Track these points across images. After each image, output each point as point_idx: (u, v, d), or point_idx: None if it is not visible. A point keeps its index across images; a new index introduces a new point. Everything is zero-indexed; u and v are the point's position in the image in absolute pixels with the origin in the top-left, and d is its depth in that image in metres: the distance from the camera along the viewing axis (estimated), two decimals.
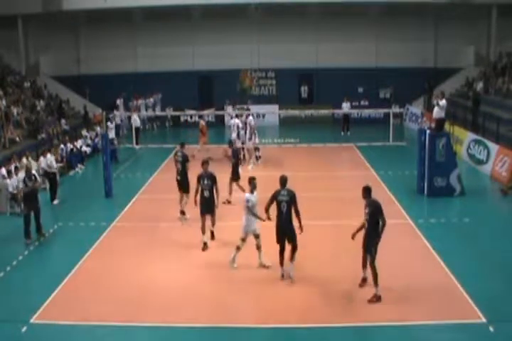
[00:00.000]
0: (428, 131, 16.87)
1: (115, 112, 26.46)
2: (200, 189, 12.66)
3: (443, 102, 16.82)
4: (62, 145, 20.96)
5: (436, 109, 17.02)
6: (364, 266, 10.44)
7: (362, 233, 10.33)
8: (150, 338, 9.32)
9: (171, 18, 30.91)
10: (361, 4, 30.30)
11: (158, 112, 30.07)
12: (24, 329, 9.35)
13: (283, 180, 11.00)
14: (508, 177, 17.85)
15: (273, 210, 10.86)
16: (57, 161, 18.85)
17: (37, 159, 19.00)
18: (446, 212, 15.70)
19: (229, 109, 28.27)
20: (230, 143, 17.31)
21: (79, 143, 22.75)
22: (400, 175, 19.42)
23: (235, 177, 16.29)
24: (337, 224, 14.20)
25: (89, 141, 23.90)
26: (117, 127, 26.30)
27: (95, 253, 12.78)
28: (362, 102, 30.95)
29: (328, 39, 31.24)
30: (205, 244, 12.58)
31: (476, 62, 31.11)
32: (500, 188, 17.43)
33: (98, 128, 25.24)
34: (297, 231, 10.83)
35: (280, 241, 10.98)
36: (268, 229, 11.07)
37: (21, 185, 13.84)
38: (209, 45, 31.22)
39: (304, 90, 32.98)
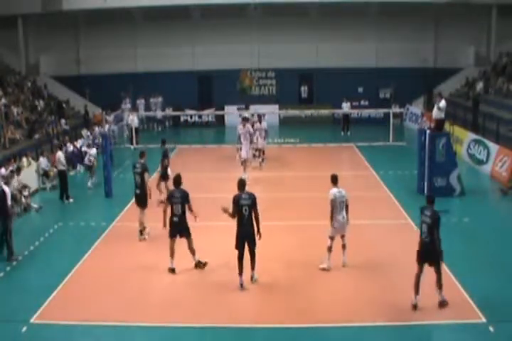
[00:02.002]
0: (428, 131, 16.87)
1: (109, 117, 26.22)
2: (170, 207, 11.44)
3: (442, 103, 16.80)
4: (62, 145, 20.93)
5: (435, 109, 17.01)
6: (418, 287, 9.76)
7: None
8: (150, 338, 9.31)
9: (171, 18, 30.90)
10: (361, 4, 30.31)
11: (159, 115, 29.95)
12: (24, 329, 9.35)
13: (241, 184, 10.75)
14: (507, 177, 17.86)
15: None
16: (53, 162, 18.87)
17: (37, 159, 19.03)
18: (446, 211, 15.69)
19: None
20: (163, 142, 17.01)
21: (79, 143, 22.72)
22: (400, 175, 19.43)
23: (164, 176, 16.16)
24: None
25: (90, 141, 23.85)
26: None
27: (95, 253, 12.79)
28: (362, 102, 30.95)
29: (328, 39, 31.20)
30: (172, 270, 11.45)
31: (476, 62, 31.12)
32: (500, 188, 17.43)
33: (97, 129, 25.17)
34: (256, 237, 10.63)
35: (239, 246, 10.63)
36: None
37: None
38: (209, 45, 31.19)
39: (304, 90, 32.96)
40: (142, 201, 13.58)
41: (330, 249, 11.35)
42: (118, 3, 28.88)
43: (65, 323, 9.54)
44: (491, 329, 9.08)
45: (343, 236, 11.52)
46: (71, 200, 17.07)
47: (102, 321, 9.58)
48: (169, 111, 29.99)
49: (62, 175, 17.30)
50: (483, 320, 9.36)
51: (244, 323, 9.53)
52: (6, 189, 12.75)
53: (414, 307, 9.75)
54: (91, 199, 17.68)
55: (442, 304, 9.75)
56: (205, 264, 11.66)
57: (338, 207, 11.25)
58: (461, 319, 9.45)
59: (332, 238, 11.37)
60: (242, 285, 10.71)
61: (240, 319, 9.67)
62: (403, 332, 9.20)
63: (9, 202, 12.81)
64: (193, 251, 11.63)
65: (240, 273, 10.71)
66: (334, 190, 11.30)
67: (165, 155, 16.52)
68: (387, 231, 14.04)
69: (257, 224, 10.62)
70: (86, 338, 9.23)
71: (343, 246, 11.56)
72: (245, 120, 20.12)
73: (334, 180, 11.41)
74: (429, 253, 9.68)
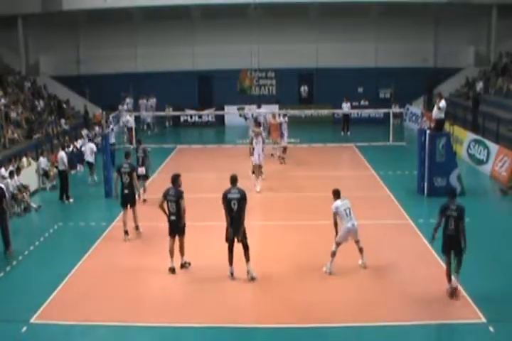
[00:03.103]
0: (428, 131, 16.88)
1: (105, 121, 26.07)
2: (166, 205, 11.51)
3: (442, 103, 16.82)
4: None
5: (435, 110, 17.02)
6: (450, 275, 10.13)
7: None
8: (150, 338, 9.31)
9: (171, 18, 30.90)
10: (361, 4, 30.31)
11: (148, 119, 29.76)
12: (24, 329, 9.35)
13: (233, 179, 11.03)
14: (507, 177, 17.86)
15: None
16: (53, 162, 18.89)
17: (37, 159, 19.04)
18: None
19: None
20: (138, 141, 17.27)
21: (79, 143, 22.72)
22: (400, 175, 19.43)
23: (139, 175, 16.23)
24: None
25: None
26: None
27: (95, 254, 12.78)
28: (362, 102, 30.93)
29: (328, 39, 31.21)
30: (172, 269, 11.49)
31: (476, 62, 31.11)
32: (500, 188, 17.44)
33: (97, 129, 25.15)
34: (240, 234, 10.83)
35: (230, 241, 10.95)
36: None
37: None
38: (209, 45, 31.20)
39: (304, 90, 32.96)
40: (133, 200, 13.82)
41: (334, 254, 11.25)
42: (118, 3, 28.89)
43: (65, 323, 9.54)
44: (491, 329, 9.07)
45: (357, 242, 11.46)
46: (71, 200, 17.07)
47: (101, 321, 9.58)
48: (169, 111, 29.95)
49: (62, 175, 17.30)
50: (483, 320, 9.36)
51: (244, 323, 9.53)
52: (1, 185, 12.90)
53: (452, 294, 10.04)
54: (91, 199, 17.66)
55: (453, 293, 9.95)
56: (189, 264, 11.77)
57: (344, 214, 11.18)
58: (461, 319, 9.45)
59: (338, 244, 11.28)
60: (232, 274, 11.00)
61: (240, 319, 9.66)
62: (403, 332, 9.19)
63: (7, 197, 12.94)
64: (182, 252, 11.66)
65: (230, 263, 11.00)
66: (336, 202, 11.28)
67: (145, 155, 16.80)
68: (387, 231, 14.03)
69: (242, 221, 10.78)
70: (86, 338, 9.24)
71: (361, 250, 11.51)
72: (259, 124, 19.76)
73: (337, 194, 11.41)
74: (455, 243, 10.09)
